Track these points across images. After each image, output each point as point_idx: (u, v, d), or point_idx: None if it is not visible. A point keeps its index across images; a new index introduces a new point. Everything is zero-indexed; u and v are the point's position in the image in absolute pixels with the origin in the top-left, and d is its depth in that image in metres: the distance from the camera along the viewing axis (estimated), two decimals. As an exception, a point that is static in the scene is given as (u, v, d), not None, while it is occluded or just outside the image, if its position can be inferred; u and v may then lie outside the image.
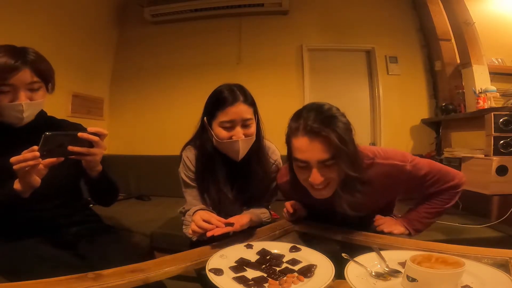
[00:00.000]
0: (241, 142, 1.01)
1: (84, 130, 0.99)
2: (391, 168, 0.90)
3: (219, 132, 1.02)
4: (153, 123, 2.82)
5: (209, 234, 0.83)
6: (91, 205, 1.14)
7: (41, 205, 0.92)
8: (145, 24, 2.88)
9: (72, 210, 1.00)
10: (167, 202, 2.16)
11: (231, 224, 0.87)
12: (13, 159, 0.72)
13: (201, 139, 1.10)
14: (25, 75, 0.84)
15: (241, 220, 0.93)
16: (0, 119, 0.87)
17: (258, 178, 1.10)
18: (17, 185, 0.77)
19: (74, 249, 0.94)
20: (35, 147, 0.72)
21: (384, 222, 1.02)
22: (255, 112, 1.08)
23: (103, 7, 2.80)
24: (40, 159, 0.72)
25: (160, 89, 2.84)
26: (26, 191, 0.78)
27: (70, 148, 0.76)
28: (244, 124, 1.02)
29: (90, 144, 0.79)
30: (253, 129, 1.05)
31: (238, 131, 1.01)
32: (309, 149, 0.81)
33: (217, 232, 0.83)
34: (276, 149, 1.20)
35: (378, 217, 1.04)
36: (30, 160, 0.71)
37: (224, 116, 1.00)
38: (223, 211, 1.04)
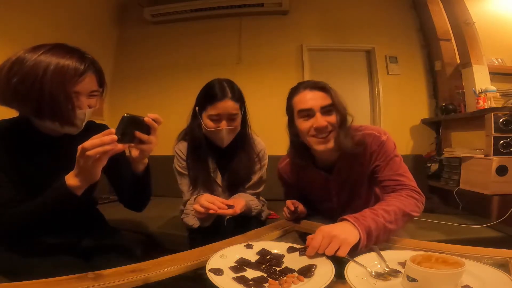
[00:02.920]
0: (225, 131, 1.15)
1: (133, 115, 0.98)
2: (369, 137, 0.99)
3: (207, 122, 1.16)
4: (153, 123, 2.82)
5: (211, 211, 0.94)
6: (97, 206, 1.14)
7: None
8: (145, 24, 2.88)
9: (79, 213, 0.99)
10: (167, 202, 2.15)
11: (231, 207, 0.97)
12: (87, 144, 0.64)
13: (192, 126, 1.23)
14: (91, 82, 0.79)
15: (239, 203, 1.01)
16: (46, 127, 0.80)
17: (242, 162, 1.23)
18: (72, 180, 0.69)
19: (74, 249, 0.94)
20: (112, 130, 0.66)
21: (323, 240, 0.70)
22: (242, 106, 1.20)
23: (103, 7, 2.80)
24: (116, 145, 0.65)
25: (160, 89, 2.83)
26: (82, 186, 0.70)
27: (138, 134, 0.71)
28: (229, 118, 1.15)
29: (148, 131, 0.75)
30: (237, 122, 1.18)
31: (224, 124, 1.14)
32: (312, 97, 0.95)
33: (219, 212, 0.95)
34: (261, 142, 1.32)
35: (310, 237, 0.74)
36: (108, 145, 0.64)
37: (212, 110, 1.14)
38: None
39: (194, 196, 1.14)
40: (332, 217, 1.08)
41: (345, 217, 0.77)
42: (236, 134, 1.22)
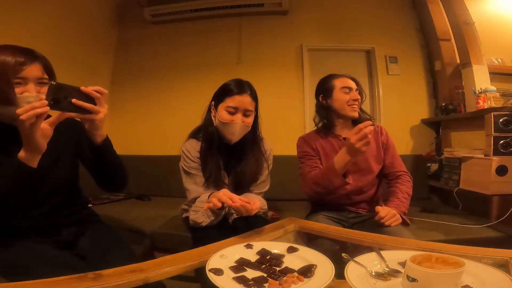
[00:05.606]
0: (238, 125, 1.19)
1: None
2: (377, 126, 1.44)
3: (223, 114, 1.20)
4: (153, 123, 2.82)
5: (233, 205, 0.96)
6: (91, 205, 1.15)
7: (41, 205, 0.92)
8: (145, 24, 2.87)
9: (71, 210, 1.01)
10: (167, 202, 2.16)
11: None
12: (19, 110, 0.69)
13: (206, 122, 1.28)
14: (36, 68, 0.86)
15: (254, 203, 1.00)
16: (5, 115, 0.86)
17: (250, 164, 1.26)
18: (21, 152, 0.75)
19: (74, 249, 0.94)
20: (42, 96, 0.71)
21: (386, 215, 1.13)
22: (256, 108, 1.26)
23: (103, 7, 2.80)
24: (48, 108, 0.70)
25: (160, 89, 2.83)
26: (33, 157, 0.76)
27: (75, 101, 0.75)
28: (245, 114, 1.21)
29: (92, 102, 0.79)
30: (251, 119, 1.23)
31: (239, 117, 1.19)
32: (351, 82, 1.40)
33: (238, 205, 0.96)
34: (268, 142, 1.37)
35: (379, 209, 1.16)
36: (38, 108, 0.69)
37: (231, 102, 1.19)
38: None
39: (208, 194, 1.14)
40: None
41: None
42: (247, 135, 1.25)
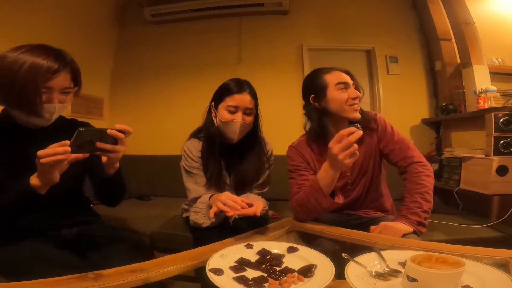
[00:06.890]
0: (239, 124, 1.18)
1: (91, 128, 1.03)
2: (371, 116, 1.22)
3: (223, 113, 1.20)
4: (153, 123, 2.82)
5: (231, 213, 0.92)
6: (92, 205, 1.15)
7: (43, 209, 0.92)
8: (145, 24, 2.88)
9: (73, 211, 1.01)
10: (167, 202, 2.16)
11: (250, 206, 0.96)
12: (41, 152, 0.70)
13: (207, 122, 1.27)
14: (64, 78, 0.86)
15: (259, 205, 0.98)
16: (22, 119, 0.87)
17: (252, 163, 1.26)
18: (34, 180, 0.76)
19: (74, 249, 0.94)
20: (67, 142, 0.71)
21: (381, 230, 0.99)
22: (256, 106, 1.26)
23: (103, 7, 2.80)
24: (69, 155, 0.71)
25: (160, 89, 2.84)
26: (44, 187, 0.77)
27: (99, 144, 0.76)
28: (245, 112, 1.20)
29: (114, 140, 0.80)
30: (251, 118, 1.23)
31: (239, 116, 1.18)
32: (346, 76, 1.18)
33: (242, 212, 0.92)
34: (269, 142, 1.37)
35: (372, 227, 1.04)
36: (60, 155, 0.70)
37: (231, 101, 1.19)
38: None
39: (209, 195, 1.12)
40: (342, 194, 1.13)
41: (398, 220, 1.03)
42: (248, 134, 1.25)
